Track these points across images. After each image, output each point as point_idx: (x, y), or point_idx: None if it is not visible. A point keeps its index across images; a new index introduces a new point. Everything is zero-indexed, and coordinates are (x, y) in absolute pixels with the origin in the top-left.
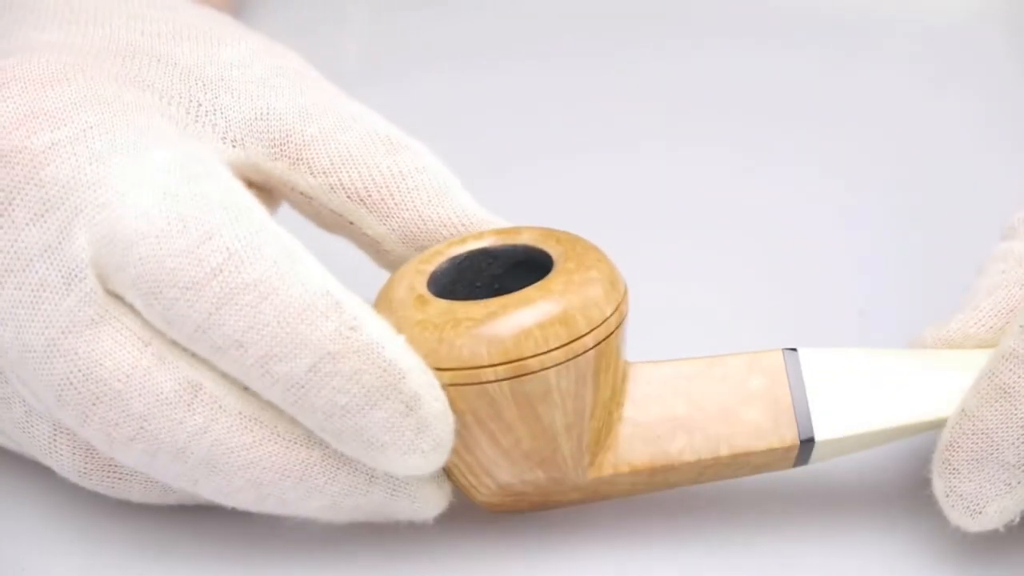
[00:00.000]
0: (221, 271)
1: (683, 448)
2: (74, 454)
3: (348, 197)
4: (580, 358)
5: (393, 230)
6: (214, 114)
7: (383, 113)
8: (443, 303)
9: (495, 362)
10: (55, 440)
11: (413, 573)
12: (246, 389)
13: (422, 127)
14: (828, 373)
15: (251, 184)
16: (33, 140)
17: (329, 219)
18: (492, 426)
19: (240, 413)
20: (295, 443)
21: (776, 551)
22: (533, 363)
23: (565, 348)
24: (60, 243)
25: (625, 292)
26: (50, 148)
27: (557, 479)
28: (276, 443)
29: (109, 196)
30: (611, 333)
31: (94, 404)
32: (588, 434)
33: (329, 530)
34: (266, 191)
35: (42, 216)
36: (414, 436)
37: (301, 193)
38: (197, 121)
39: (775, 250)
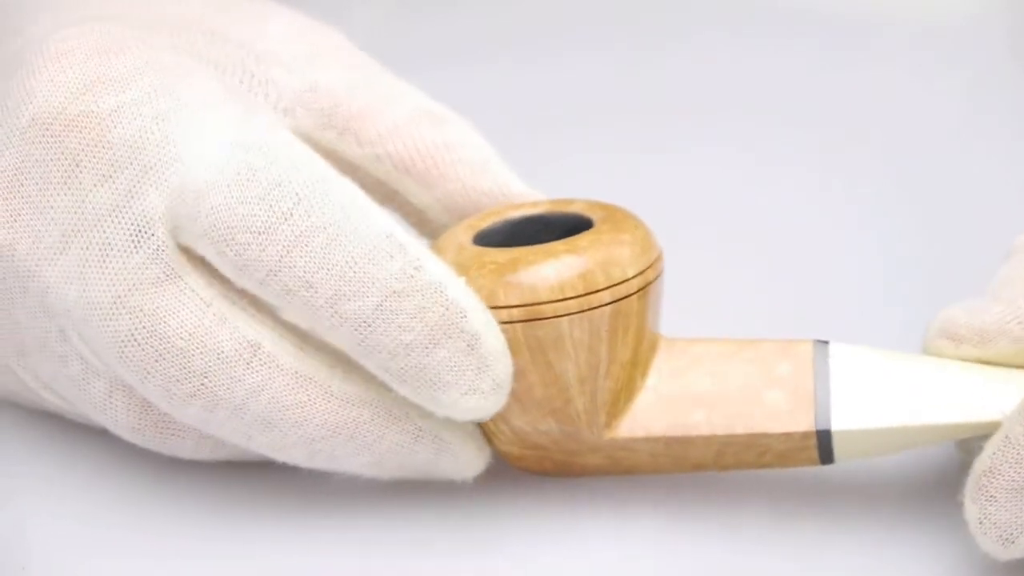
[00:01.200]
0: (291, 215)
1: (700, 422)
2: (128, 411)
3: (394, 167)
4: (594, 312)
5: (437, 199)
6: (266, 84)
7: None
8: (477, 249)
9: (510, 303)
10: (111, 397)
11: (449, 528)
12: (301, 349)
13: None
14: (855, 368)
15: None
16: (99, 104)
17: (374, 189)
18: None
19: (296, 372)
20: (346, 402)
21: (789, 552)
22: (547, 309)
23: (580, 299)
24: (129, 202)
25: (656, 260)
26: (116, 111)
27: (571, 434)
28: (329, 401)
29: (177, 151)
30: (631, 294)
31: (156, 360)
32: (603, 393)
33: (374, 486)
34: None
35: (110, 177)
36: (475, 375)
37: (348, 163)
38: (251, 90)
39: (784, 248)
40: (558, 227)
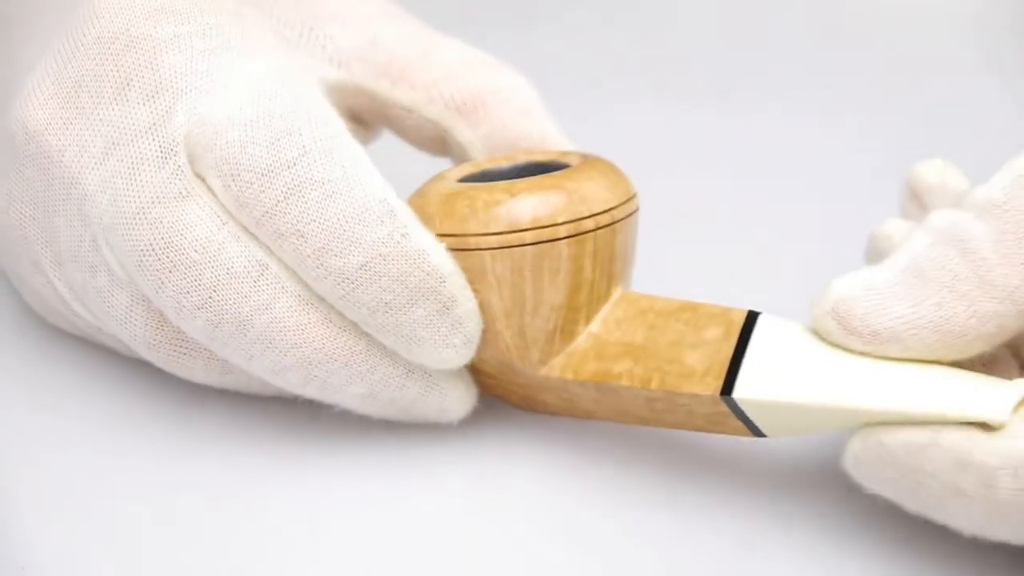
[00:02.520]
0: (295, 164)
1: (623, 372)
2: (147, 325)
3: (446, 106)
4: (515, 250)
5: (481, 137)
6: (323, 39)
7: None
8: (450, 182)
9: (443, 231)
10: (132, 310)
11: (433, 463)
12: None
13: None
14: (776, 342)
15: (352, 113)
16: (158, 30)
17: (425, 130)
18: None
19: (299, 295)
20: (344, 330)
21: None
22: (470, 241)
23: (501, 236)
24: (164, 121)
25: (600, 213)
26: (172, 39)
27: (507, 365)
28: (328, 327)
29: (213, 85)
30: (557, 239)
31: (170, 271)
32: (532, 330)
33: (362, 423)
34: (364, 123)
35: (153, 97)
36: (448, 332)
37: (402, 106)
38: (308, 43)
39: (783, 214)
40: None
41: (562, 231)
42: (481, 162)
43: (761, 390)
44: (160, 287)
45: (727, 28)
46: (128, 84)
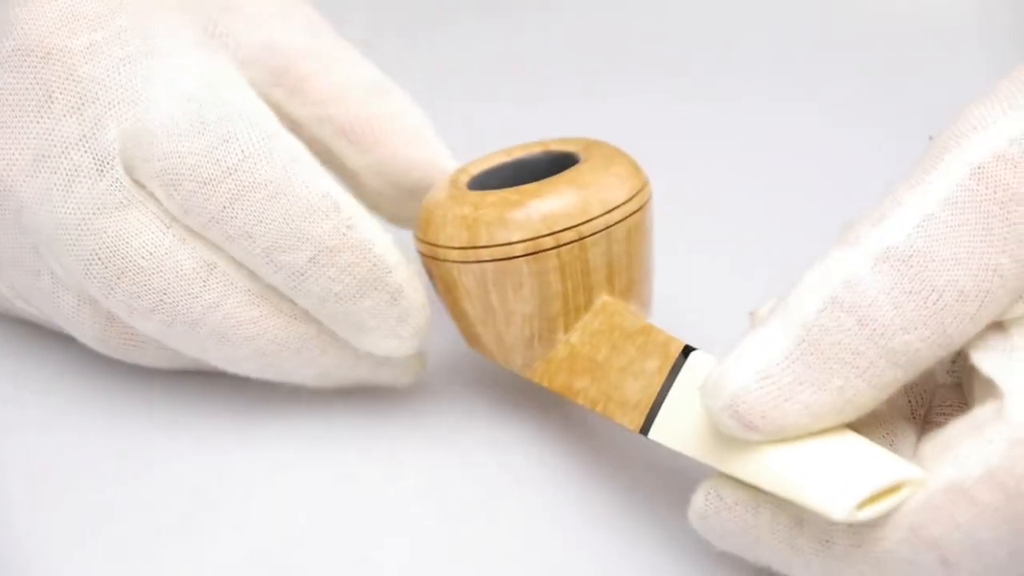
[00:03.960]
0: (236, 171)
1: (580, 390)
2: (95, 322)
3: (334, 130)
4: (475, 265)
5: (369, 164)
6: (227, 36)
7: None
8: (447, 189)
9: (422, 238)
10: (79, 310)
11: (392, 427)
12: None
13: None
14: (694, 385)
15: None
16: (73, 41)
17: (315, 148)
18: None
19: (248, 290)
20: (295, 319)
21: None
22: (440, 251)
23: (462, 251)
24: (94, 133)
25: (556, 235)
26: (88, 48)
27: (499, 363)
28: (279, 318)
29: (138, 95)
30: (514, 256)
31: (119, 278)
32: (508, 337)
33: (318, 394)
34: None
35: (79, 109)
36: (396, 323)
37: (293, 120)
38: (214, 39)
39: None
40: (559, 166)
41: (518, 249)
42: (503, 151)
43: (668, 438)
44: (110, 292)
45: (727, 29)
46: (50, 97)
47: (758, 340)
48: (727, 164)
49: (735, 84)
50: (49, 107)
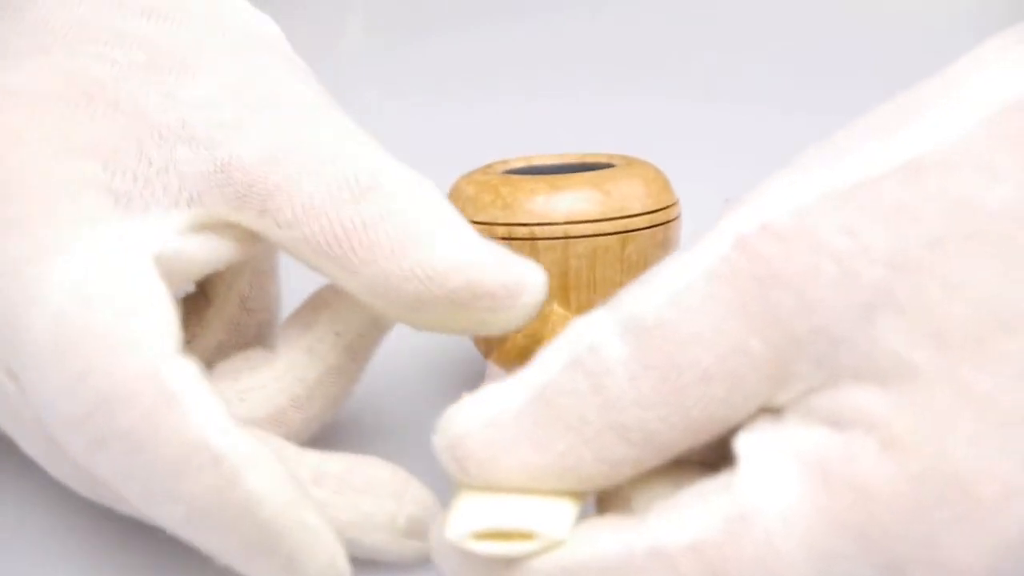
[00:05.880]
0: (93, 414)
1: None
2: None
3: (313, 251)
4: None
5: (360, 287)
6: (166, 173)
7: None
8: (486, 174)
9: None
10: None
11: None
12: None
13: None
14: None
15: (242, 234)
16: None
17: (308, 266)
18: None
19: None
20: None
21: None
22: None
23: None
24: None
25: (507, 227)
26: None
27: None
28: None
29: (14, 311)
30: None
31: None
32: (499, 341)
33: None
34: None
35: None
36: None
37: (273, 244)
38: (146, 186)
39: None
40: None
41: (500, 232)
42: (530, 157)
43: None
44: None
45: (726, 28)
46: None
47: (500, 388)
48: (734, 165)
49: (737, 84)
50: None
